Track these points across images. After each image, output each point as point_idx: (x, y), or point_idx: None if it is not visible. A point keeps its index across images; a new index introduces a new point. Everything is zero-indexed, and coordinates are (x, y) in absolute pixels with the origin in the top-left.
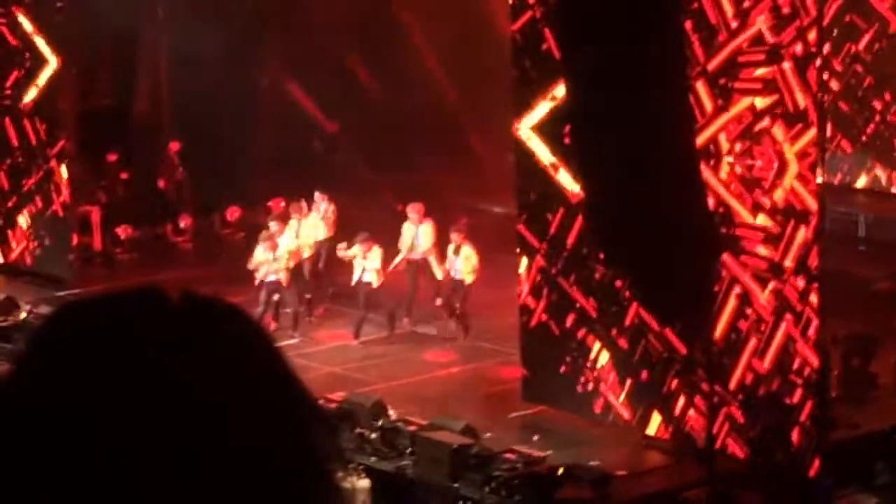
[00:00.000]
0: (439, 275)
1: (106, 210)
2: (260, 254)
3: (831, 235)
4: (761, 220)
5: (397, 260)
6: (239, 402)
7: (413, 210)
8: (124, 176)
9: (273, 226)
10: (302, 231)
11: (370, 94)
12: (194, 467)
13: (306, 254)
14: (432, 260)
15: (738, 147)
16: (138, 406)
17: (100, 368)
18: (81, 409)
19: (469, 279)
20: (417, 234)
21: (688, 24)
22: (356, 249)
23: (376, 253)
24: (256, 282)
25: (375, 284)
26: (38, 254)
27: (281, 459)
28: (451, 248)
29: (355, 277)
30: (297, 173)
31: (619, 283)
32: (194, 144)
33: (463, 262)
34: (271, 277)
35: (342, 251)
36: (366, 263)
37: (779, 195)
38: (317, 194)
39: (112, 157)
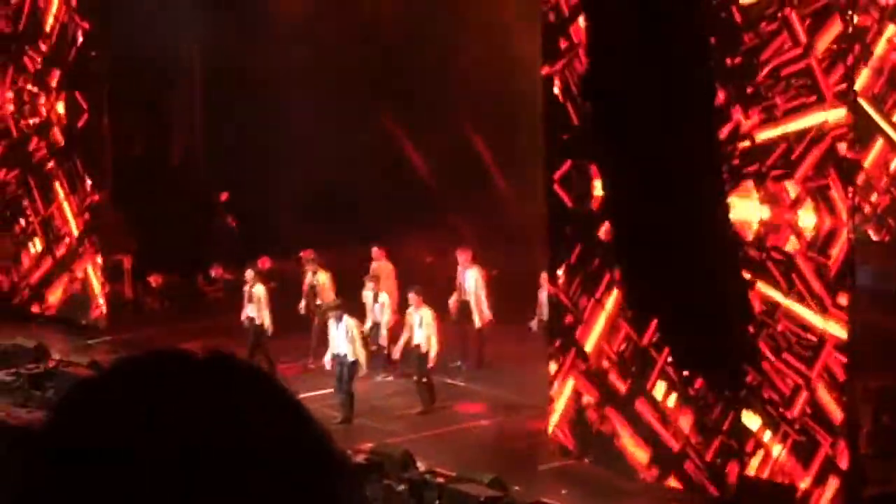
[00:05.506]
0: (478, 322)
1: (137, 258)
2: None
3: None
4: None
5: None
6: (262, 455)
7: (461, 254)
8: (163, 225)
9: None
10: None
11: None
12: None
13: None
14: (474, 306)
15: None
16: (166, 452)
17: (134, 416)
18: (118, 452)
19: (426, 347)
20: (466, 278)
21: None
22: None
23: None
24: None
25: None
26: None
27: None
28: (410, 311)
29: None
30: (329, 223)
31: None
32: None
33: (421, 328)
34: None
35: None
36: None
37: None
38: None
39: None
